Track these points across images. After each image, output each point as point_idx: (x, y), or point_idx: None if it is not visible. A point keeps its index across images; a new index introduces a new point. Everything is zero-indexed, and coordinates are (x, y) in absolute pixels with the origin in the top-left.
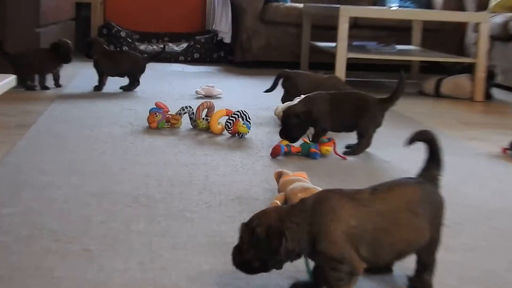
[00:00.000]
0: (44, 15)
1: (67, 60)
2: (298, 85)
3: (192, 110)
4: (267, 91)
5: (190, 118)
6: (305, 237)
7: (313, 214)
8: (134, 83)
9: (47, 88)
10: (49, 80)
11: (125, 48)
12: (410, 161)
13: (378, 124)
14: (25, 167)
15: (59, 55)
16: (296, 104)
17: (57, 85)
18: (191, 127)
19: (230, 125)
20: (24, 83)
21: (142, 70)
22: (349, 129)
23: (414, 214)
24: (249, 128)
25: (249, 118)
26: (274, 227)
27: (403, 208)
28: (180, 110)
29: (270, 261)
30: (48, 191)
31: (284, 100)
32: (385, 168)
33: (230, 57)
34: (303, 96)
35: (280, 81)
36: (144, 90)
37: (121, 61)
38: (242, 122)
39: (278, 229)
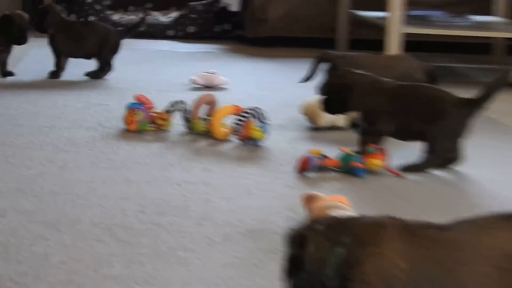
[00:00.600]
0: None
1: (22, 40)
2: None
3: (186, 106)
4: (304, 80)
5: (184, 118)
6: (335, 262)
7: (355, 239)
8: (104, 67)
9: None
10: None
11: (91, 18)
12: (506, 184)
13: (458, 134)
14: None
15: (10, 33)
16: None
17: (4, 73)
18: (185, 130)
19: (240, 127)
20: None
21: (115, 49)
22: (416, 138)
23: (505, 273)
24: (265, 132)
25: (265, 118)
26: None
27: (487, 262)
28: (170, 107)
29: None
30: None
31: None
32: (465, 194)
33: (238, 31)
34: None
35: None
36: (118, 78)
37: (86, 36)
38: (255, 123)
39: (300, 233)
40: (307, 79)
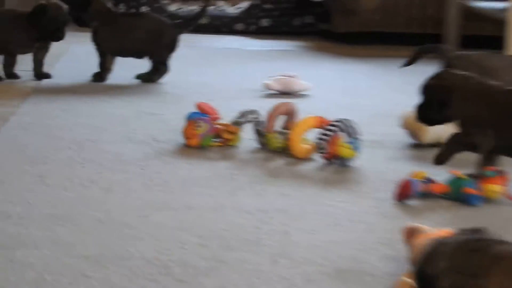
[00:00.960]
0: None
1: (57, 36)
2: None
3: (259, 117)
4: (405, 65)
5: (256, 131)
6: None
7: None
8: (158, 68)
9: (15, 76)
10: (22, 64)
11: (143, 9)
12: None
13: None
14: None
15: (44, 27)
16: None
17: (39, 74)
18: (258, 145)
19: (325, 143)
20: None
21: (171, 46)
22: None
23: None
24: (356, 149)
25: (356, 132)
26: None
27: None
28: (239, 118)
29: None
30: (17, 252)
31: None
32: None
33: (323, 25)
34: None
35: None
36: (176, 82)
37: (136, 31)
38: (344, 139)
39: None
40: (409, 63)
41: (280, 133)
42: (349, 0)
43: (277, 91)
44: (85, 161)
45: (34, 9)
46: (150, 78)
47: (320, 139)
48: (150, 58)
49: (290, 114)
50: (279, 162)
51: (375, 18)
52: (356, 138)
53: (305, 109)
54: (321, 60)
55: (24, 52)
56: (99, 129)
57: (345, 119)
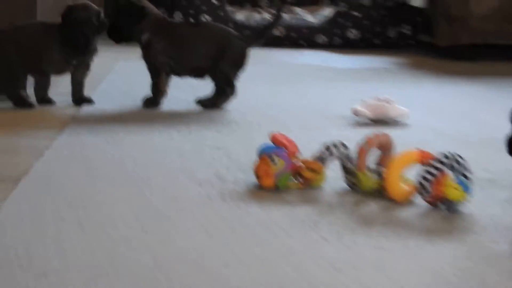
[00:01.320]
0: None
1: (85, 48)
2: None
3: (348, 151)
4: None
5: (344, 169)
6: None
7: None
8: (223, 91)
9: (49, 101)
10: (58, 87)
11: (204, 18)
12: None
13: None
14: (7, 272)
15: (81, 39)
16: None
17: (78, 99)
18: (346, 186)
19: (428, 184)
20: (8, 93)
21: (239, 63)
22: None
23: None
24: (467, 190)
25: (467, 169)
26: None
27: None
28: (323, 152)
29: None
30: None
31: None
32: None
33: (424, 36)
34: None
35: None
36: (244, 107)
37: (196, 44)
38: (452, 178)
39: None
40: None
41: (374, 171)
42: (457, 6)
43: (369, 118)
44: (133, 203)
45: (63, 16)
46: (213, 102)
47: (423, 178)
48: (213, 77)
49: (385, 147)
50: (373, 206)
51: (489, 28)
52: (466, 177)
53: (402, 141)
54: (422, 80)
55: (59, 71)
56: (151, 165)
57: (452, 153)
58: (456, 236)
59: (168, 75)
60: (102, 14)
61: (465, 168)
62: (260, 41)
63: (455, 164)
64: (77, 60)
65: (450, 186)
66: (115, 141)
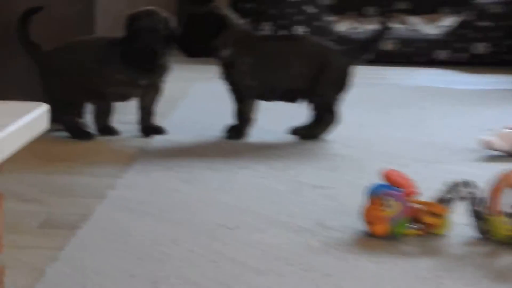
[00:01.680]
0: None
1: (156, 64)
2: None
3: (477, 191)
4: None
5: (473, 213)
6: None
7: None
8: (323, 117)
9: (111, 132)
10: (123, 114)
11: (298, 29)
12: None
13: None
14: None
15: (147, 51)
16: None
17: (147, 128)
18: (476, 233)
19: None
20: (63, 122)
21: (341, 84)
22: None
23: None
24: None
25: None
26: None
27: None
28: (447, 193)
29: None
30: None
31: None
32: None
33: None
34: None
35: None
36: (349, 138)
37: (289, 62)
38: None
39: None
40: None
41: (510, 215)
42: None
43: (503, 151)
44: (219, 257)
45: (125, 27)
46: (311, 132)
47: None
48: (310, 102)
49: None
50: (510, 259)
51: None
52: None
53: None
54: None
55: (123, 97)
56: (238, 209)
57: None
58: None
59: (255, 99)
60: (171, 22)
61: None
62: (365, 57)
63: None
64: (145, 80)
65: None
66: (191, 179)
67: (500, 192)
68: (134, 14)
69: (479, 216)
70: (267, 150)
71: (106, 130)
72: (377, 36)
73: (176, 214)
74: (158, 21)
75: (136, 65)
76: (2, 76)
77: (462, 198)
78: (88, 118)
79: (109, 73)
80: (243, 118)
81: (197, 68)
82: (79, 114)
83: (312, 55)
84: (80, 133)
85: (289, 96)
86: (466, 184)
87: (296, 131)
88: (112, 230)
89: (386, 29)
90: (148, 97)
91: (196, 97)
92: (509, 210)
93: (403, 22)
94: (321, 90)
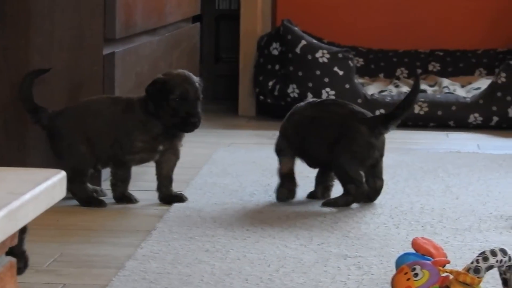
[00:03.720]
0: (126, 14)
1: (190, 126)
2: None
3: (508, 259)
4: None
5: (505, 282)
6: None
7: None
8: (346, 188)
9: (129, 200)
10: (141, 181)
11: (326, 93)
12: None
13: None
14: None
15: (167, 114)
16: None
17: (167, 196)
18: None
19: None
20: (72, 189)
21: (362, 155)
22: None
23: None
24: None
25: None
26: None
27: None
28: (480, 262)
29: None
30: None
31: None
32: None
33: None
34: None
35: None
36: (377, 205)
37: (313, 131)
38: None
39: None
40: None
41: None
42: None
43: None
44: None
45: (151, 90)
46: (334, 201)
47: None
48: (333, 172)
49: None
50: None
51: None
52: None
53: None
54: None
55: (141, 160)
56: (265, 281)
57: None
58: None
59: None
60: (201, 85)
61: None
62: (392, 124)
63: None
64: (166, 146)
65: None
66: (216, 250)
67: None
68: (168, 79)
69: (507, 286)
70: (293, 219)
71: (124, 198)
72: (409, 100)
73: (199, 286)
74: (194, 87)
75: (165, 133)
76: (23, 141)
77: (491, 267)
78: (104, 185)
79: (126, 138)
80: (286, 181)
81: (219, 133)
82: (87, 180)
83: (333, 123)
84: (88, 201)
85: (318, 165)
86: (494, 253)
87: (325, 201)
88: None
89: (415, 93)
90: (167, 163)
91: (218, 162)
92: None
93: (434, 84)
94: (339, 161)
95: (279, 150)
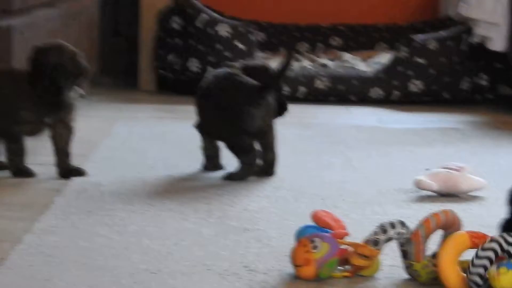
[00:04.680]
0: None
1: (60, 101)
2: None
3: (409, 232)
4: None
5: (403, 254)
6: None
7: None
8: (241, 160)
9: (26, 173)
10: (39, 155)
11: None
12: None
13: None
14: None
15: (51, 88)
16: None
17: (64, 169)
18: (407, 275)
19: (480, 279)
20: None
21: (245, 122)
22: None
23: None
24: None
25: None
26: None
27: None
28: (377, 234)
29: None
30: None
31: None
32: None
33: (507, 89)
34: None
35: None
36: (277, 179)
37: (204, 105)
38: (496, 266)
39: None
40: None
41: (434, 257)
42: None
43: (435, 191)
44: None
45: (29, 59)
46: (233, 175)
47: (476, 264)
48: (229, 145)
49: (451, 229)
50: None
51: None
52: None
53: (478, 220)
54: (503, 143)
55: (30, 131)
56: (164, 255)
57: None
58: None
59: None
60: (79, 57)
61: None
62: (266, 94)
63: (506, 246)
64: (51, 117)
65: (505, 273)
66: (115, 224)
67: (422, 238)
68: (41, 47)
69: (405, 258)
70: (192, 192)
71: (21, 172)
72: (279, 71)
73: (97, 259)
74: (65, 57)
75: (42, 102)
76: None
77: (390, 239)
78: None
79: (14, 110)
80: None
81: (119, 107)
82: None
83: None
84: None
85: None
86: (393, 225)
87: (227, 176)
88: (28, 276)
89: (288, 63)
90: (60, 137)
91: (118, 138)
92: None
93: (336, 59)
94: (224, 133)
95: (196, 126)
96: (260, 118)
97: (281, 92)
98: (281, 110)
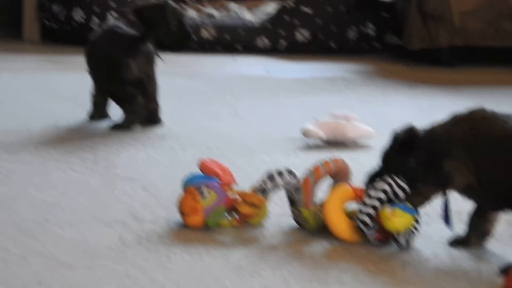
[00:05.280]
0: None
1: None
2: None
3: (296, 180)
4: None
5: (291, 201)
6: None
7: None
8: (124, 109)
9: None
10: None
11: (112, 16)
12: None
13: None
14: None
15: None
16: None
17: None
18: (294, 223)
19: (370, 219)
20: None
21: (121, 72)
22: None
23: None
24: (412, 213)
25: (408, 194)
26: None
27: None
28: (265, 182)
29: None
30: None
31: None
32: None
33: (392, 38)
34: None
35: None
36: (166, 129)
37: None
38: (391, 207)
39: None
40: None
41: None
42: (434, 1)
43: (323, 140)
44: (30, 254)
45: None
46: (119, 125)
47: (363, 212)
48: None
49: (340, 176)
50: (325, 246)
51: (473, 26)
52: (407, 204)
53: (363, 168)
54: (390, 92)
55: None
56: (51, 205)
57: (394, 179)
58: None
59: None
60: None
61: (407, 193)
62: (142, 44)
63: (395, 191)
64: None
65: (389, 216)
66: (1, 174)
67: (311, 184)
68: None
69: (293, 206)
70: (77, 142)
71: None
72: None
73: None
74: None
75: None
76: None
77: (278, 187)
78: None
79: None
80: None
81: (2, 58)
82: None
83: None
84: None
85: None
86: (281, 173)
87: (113, 126)
88: None
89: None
90: None
91: (2, 88)
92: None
93: (221, 9)
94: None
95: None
96: (137, 68)
97: (183, 24)
98: (184, 39)
